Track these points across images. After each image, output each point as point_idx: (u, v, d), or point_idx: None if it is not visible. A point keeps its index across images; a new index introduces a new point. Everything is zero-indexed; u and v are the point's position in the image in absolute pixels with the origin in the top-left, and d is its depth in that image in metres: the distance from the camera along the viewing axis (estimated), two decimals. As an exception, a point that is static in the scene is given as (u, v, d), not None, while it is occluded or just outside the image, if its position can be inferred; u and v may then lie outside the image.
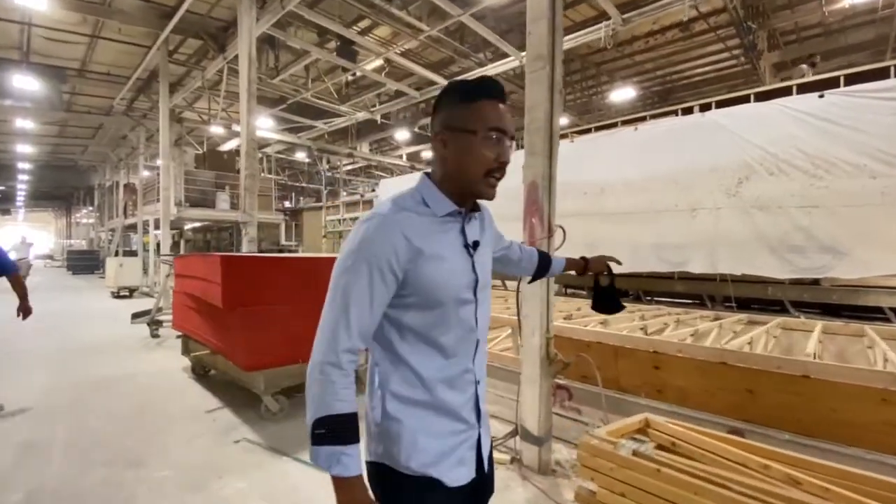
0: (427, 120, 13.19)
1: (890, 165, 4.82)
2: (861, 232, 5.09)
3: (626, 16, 6.27)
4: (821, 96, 5.38)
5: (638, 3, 6.79)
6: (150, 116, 13.35)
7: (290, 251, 16.47)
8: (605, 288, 1.54)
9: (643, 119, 7.70)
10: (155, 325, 5.93)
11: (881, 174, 4.88)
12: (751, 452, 1.53)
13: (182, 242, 16.98)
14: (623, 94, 11.02)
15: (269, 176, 16.77)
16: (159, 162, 10.32)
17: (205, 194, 13.52)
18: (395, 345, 0.92)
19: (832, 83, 5.74)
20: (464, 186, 0.92)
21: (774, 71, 9.65)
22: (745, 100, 6.46)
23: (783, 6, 8.21)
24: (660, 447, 1.70)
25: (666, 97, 12.37)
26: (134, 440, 2.90)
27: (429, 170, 1.01)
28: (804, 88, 5.94)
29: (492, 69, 8.82)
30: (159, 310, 5.98)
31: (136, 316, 6.32)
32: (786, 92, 6.10)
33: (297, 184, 21.66)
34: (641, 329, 4.04)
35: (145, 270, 13.12)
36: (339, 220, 16.75)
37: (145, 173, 15.60)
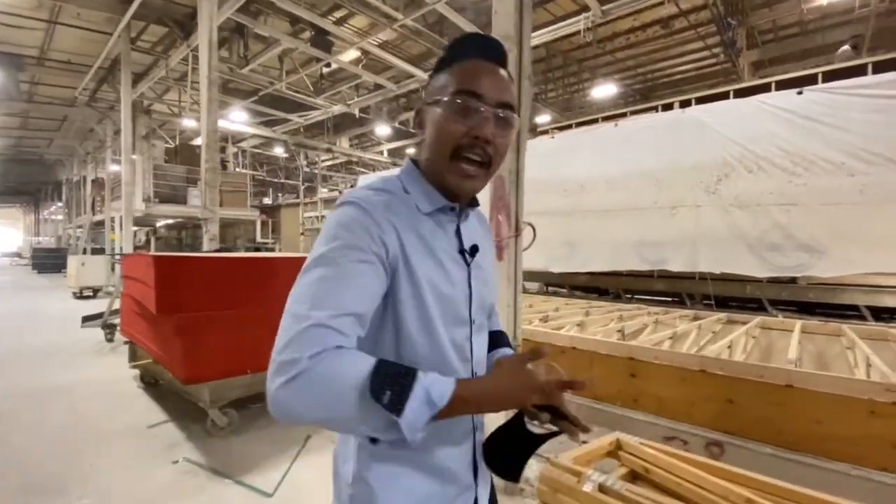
0: (407, 115, 13.04)
1: (868, 163, 4.78)
2: (839, 230, 5.05)
3: (605, 7, 6.12)
4: (799, 93, 5.32)
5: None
6: (117, 108, 12.74)
7: (266, 249, 16.02)
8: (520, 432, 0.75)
9: (623, 115, 7.60)
10: (109, 329, 5.56)
11: (859, 172, 4.83)
12: (732, 481, 1.35)
13: (153, 240, 16.35)
14: (604, 90, 10.94)
15: (244, 171, 16.27)
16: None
17: (176, 190, 12.99)
18: None
19: (810, 80, 5.70)
20: (432, 172, 0.73)
21: (753, 69, 9.66)
22: (724, 96, 6.40)
23: (762, 4, 8.20)
24: (632, 473, 1.52)
25: (647, 95, 12.34)
26: (58, 462, 2.60)
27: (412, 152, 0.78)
28: (783, 85, 5.89)
29: (471, 63, 8.61)
30: (114, 312, 5.60)
31: (86, 319, 5.91)
32: (765, 88, 6.05)
33: (276, 179, 21.13)
34: (619, 331, 3.88)
35: (113, 269, 12.57)
36: (317, 217, 16.38)
37: (114, 168, 14.95)
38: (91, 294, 11.11)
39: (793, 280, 6.17)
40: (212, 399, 2.82)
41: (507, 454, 0.75)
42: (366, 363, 0.56)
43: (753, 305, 6.77)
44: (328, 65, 9.62)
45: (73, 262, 11.53)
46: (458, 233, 0.76)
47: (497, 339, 0.93)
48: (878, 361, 2.53)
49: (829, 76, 5.55)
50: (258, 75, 10.01)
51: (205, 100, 5.27)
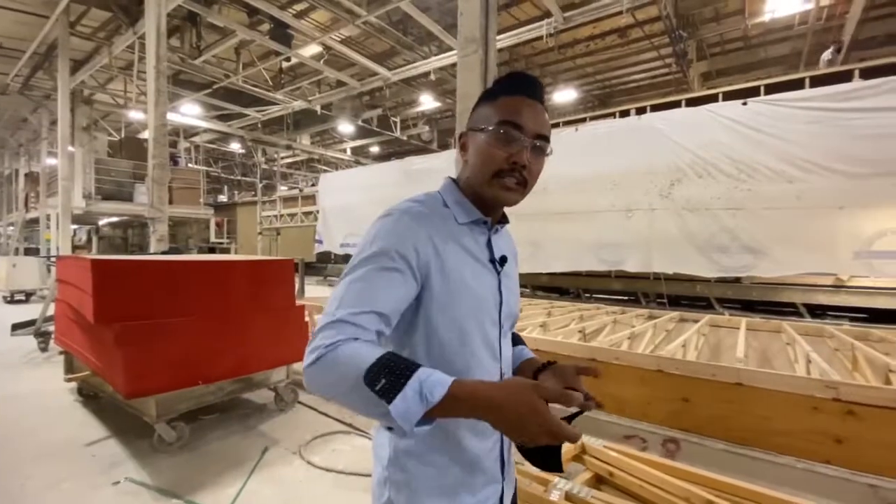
0: (371, 113, 12.86)
1: (805, 171, 5.13)
2: (779, 233, 5.40)
3: (567, 14, 6.25)
4: (744, 104, 5.64)
5: (579, 4, 6.83)
6: (54, 97, 11.79)
7: (221, 250, 15.32)
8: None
9: (583, 120, 7.81)
10: (42, 337, 5.10)
11: (797, 179, 5.18)
12: (692, 482, 1.39)
13: (95, 240, 15.26)
14: (565, 95, 11.22)
15: (197, 167, 15.50)
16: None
17: (121, 186, 12.17)
18: None
19: (754, 92, 6.07)
20: (477, 191, 0.83)
21: (702, 80, 10.21)
22: (676, 105, 6.70)
23: (710, 19, 8.65)
24: (597, 478, 1.53)
25: (606, 101, 12.76)
26: (-20, 488, 2.35)
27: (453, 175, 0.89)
28: (729, 96, 6.24)
29: (436, 62, 8.59)
30: (48, 319, 5.15)
31: (17, 326, 5.40)
32: (713, 99, 6.39)
33: (232, 176, 20.25)
34: (580, 331, 3.97)
35: (49, 270, 11.61)
36: (276, 216, 15.83)
37: (50, 161, 13.81)
38: (23, 298, 10.21)
39: (737, 280, 6.56)
40: (159, 413, 2.63)
41: (541, 446, 0.73)
42: (373, 353, 0.61)
43: (702, 304, 7.15)
44: (288, 59, 9.29)
45: (2, 263, 10.55)
46: (489, 244, 0.85)
47: (515, 338, 1.01)
48: (817, 358, 2.71)
49: (771, 88, 5.93)
50: (213, 67, 9.53)
51: (152, 91, 4.95)
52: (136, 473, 2.48)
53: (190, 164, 16.25)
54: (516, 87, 0.81)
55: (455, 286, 0.75)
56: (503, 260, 0.85)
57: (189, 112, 12.07)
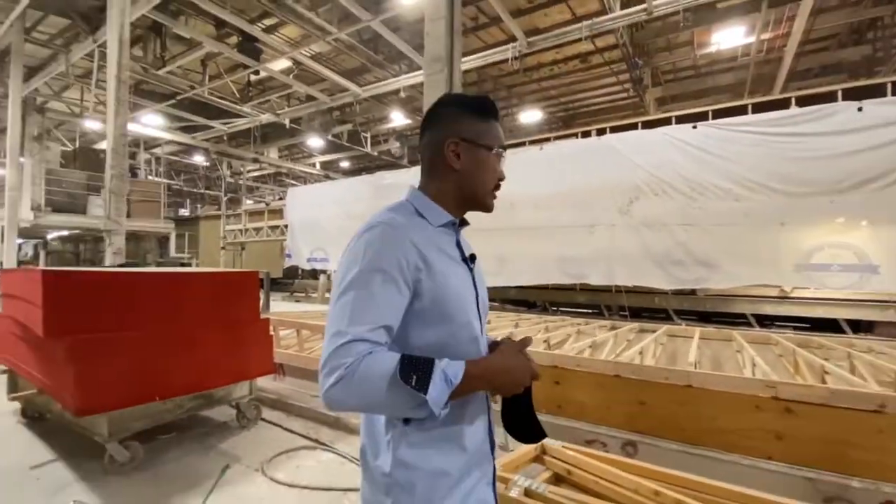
0: (341, 128, 12.85)
1: (751, 190, 5.51)
2: (728, 248, 5.74)
3: (530, 39, 6.55)
4: (694, 127, 6.04)
5: (542, 30, 7.18)
6: (3, 104, 11.20)
7: (182, 264, 14.75)
8: (515, 400, 0.90)
9: (548, 140, 8.12)
10: (-19, 356, 4.75)
11: (744, 198, 5.56)
12: (643, 476, 1.47)
13: (42, 254, 14.37)
14: (531, 116, 11.62)
15: (157, 179, 14.98)
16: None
17: (74, 198, 11.63)
18: None
19: (703, 116, 6.51)
20: (472, 198, 0.94)
21: (657, 104, 10.84)
22: (634, 127, 7.08)
23: (663, 48, 9.25)
24: (556, 476, 1.59)
25: (569, 122, 13.29)
26: None
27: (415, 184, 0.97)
28: (681, 120, 6.66)
29: (406, 80, 8.74)
30: (-12, 337, 4.80)
31: (-48, 346, 5.01)
32: (667, 122, 6.80)
33: (194, 189, 19.62)
34: (545, 341, 4.08)
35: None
36: (241, 230, 15.41)
37: (-5, 171, 13.02)
38: (-43, 317, 9.43)
39: (693, 292, 6.90)
40: (111, 431, 2.50)
41: (521, 420, 0.92)
42: (394, 359, 0.72)
43: (662, 315, 7.47)
44: (257, 72, 9.23)
45: (-66, 279, 9.75)
46: (458, 244, 0.94)
47: None
48: (760, 362, 2.90)
49: (718, 114, 6.39)
50: (177, 78, 9.35)
51: (112, 100, 4.81)
52: (86, 496, 2.35)
53: (150, 177, 15.69)
54: (497, 113, 0.96)
55: (442, 287, 0.82)
56: (473, 257, 0.95)
57: (151, 123, 11.72)
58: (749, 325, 6.72)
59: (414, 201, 0.92)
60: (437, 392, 0.70)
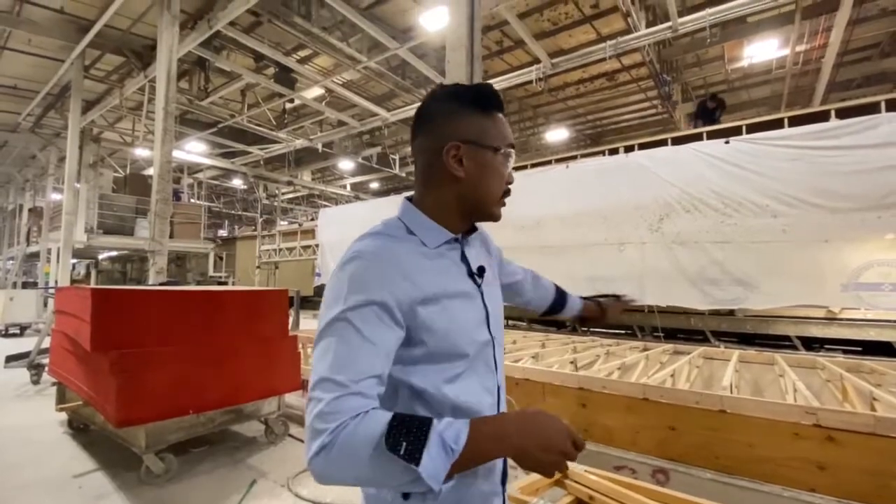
0: (371, 150, 13.24)
1: (788, 205, 5.29)
2: (767, 266, 5.49)
3: (555, 60, 6.62)
4: (726, 142, 5.89)
5: (567, 51, 7.25)
6: (63, 135, 12.21)
7: (219, 283, 15.34)
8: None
9: (574, 158, 8.09)
10: (35, 369, 5.09)
11: (781, 213, 5.33)
12: None
13: (94, 273, 15.32)
14: (557, 134, 11.63)
15: (199, 202, 15.77)
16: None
17: (123, 221, 12.40)
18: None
19: (736, 131, 6.35)
20: (476, 208, 0.80)
21: (688, 120, 10.64)
22: (663, 143, 6.97)
23: (693, 64, 9.13)
24: (577, 501, 1.55)
25: (597, 140, 13.20)
26: (-37, 520, 2.32)
27: (409, 194, 0.84)
28: (713, 135, 6.51)
29: (432, 104, 8.93)
30: (42, 351, 5.15)
31: (11, 359, 5.39)
32: (698, 137, 6.66)
33: (232, 211, 20.54)
34: (572, 363, 3.99)
35: (45, 304, 11.60)
36: (275, 250, 15.94)
37: (55, 196, 14.10)
38: (18, 332, 10.16)
39: (731, 312, 6.60)
40: (148, 443, 2.62)
41: None
42: (381, 422, 0.59)
43: (699, 337, 7.15)
44: (291, 101, 9.70)
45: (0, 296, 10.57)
46: (463, 258, 0.81)
47: (560, 292, 1.34)
48: (802, 387, 2.74)
49: (752, 128, 6.21)
50: (218, 108, 9.95)
51: (159, 130, 5.18)
52: (122, 506, 2.46)
53: (192, 200, 16.56)
54: (499, 100, 0.80)
55: (440, 315, 0.72)
56: (481, 270, 0.81)
57: (194, 150, 12.46)
58: (794, 347, 6.33)
59: (405, 219, 0.79)
60: (433, 463, 0.55)
